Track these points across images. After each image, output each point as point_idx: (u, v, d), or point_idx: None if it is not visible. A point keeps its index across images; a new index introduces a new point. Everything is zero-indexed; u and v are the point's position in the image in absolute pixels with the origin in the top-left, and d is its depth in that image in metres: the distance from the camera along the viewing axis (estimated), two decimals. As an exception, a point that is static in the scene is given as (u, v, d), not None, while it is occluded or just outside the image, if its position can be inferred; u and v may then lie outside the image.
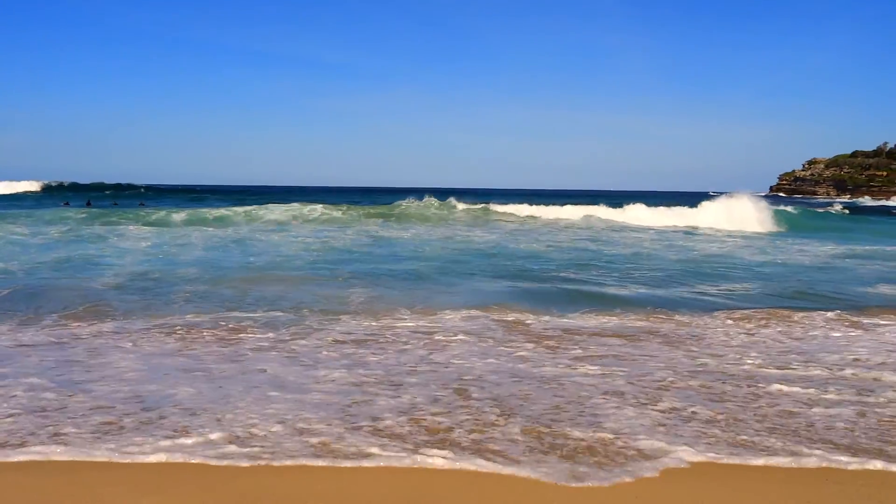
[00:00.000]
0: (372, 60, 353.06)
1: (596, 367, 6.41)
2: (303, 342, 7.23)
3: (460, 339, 7.43)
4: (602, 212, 32.24)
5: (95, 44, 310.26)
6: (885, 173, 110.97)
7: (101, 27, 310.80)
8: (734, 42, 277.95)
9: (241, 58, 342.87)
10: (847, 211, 43.86)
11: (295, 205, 31.07)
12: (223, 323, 8.10)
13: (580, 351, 7.05)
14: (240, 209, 29.47)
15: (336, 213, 29.46)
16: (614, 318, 8.77)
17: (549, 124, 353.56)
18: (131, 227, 22.26)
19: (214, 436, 4.65)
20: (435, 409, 5.19)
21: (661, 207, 32.23)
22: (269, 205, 31.05)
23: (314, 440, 4.59)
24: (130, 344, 7.06)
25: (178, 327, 7.85)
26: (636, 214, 31.29)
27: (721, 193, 32.78)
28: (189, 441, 4.57)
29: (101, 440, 4.58)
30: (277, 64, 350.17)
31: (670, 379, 6.06)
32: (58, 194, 52.29)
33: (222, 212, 28.43)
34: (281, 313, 8.70)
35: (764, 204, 30.88)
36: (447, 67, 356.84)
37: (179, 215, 26.84)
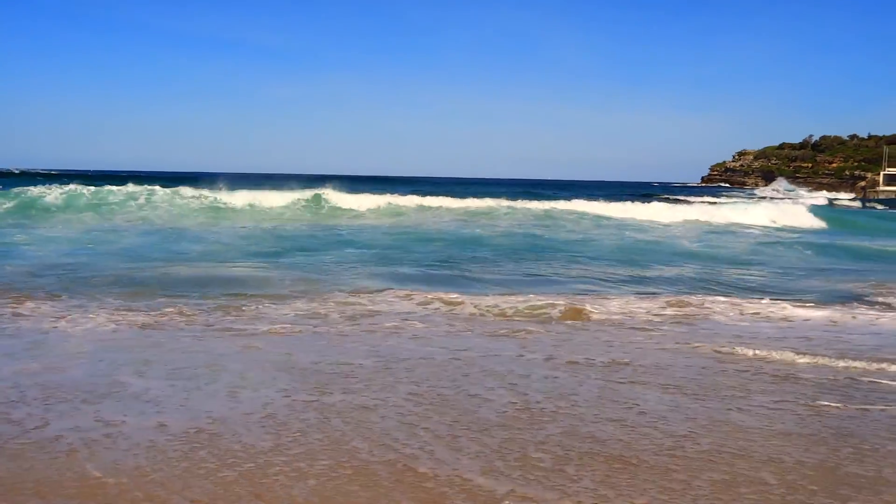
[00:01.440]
0: (306, 44, 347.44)
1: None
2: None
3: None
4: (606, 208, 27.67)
5: (11, 21, 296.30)
6: (810, 165, 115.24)
7: (22, 4, 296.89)
8: (666, 33, 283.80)
9: (173, 40, 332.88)
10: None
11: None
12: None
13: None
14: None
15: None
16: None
17: (483, 111, 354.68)
18: None
19: None
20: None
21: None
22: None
23: None
24: (62, 326, 6.75)
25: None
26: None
27: (669, 184, 32.69)
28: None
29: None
30: (209, 46, 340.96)
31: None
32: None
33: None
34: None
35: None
36: (384, 51, 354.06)
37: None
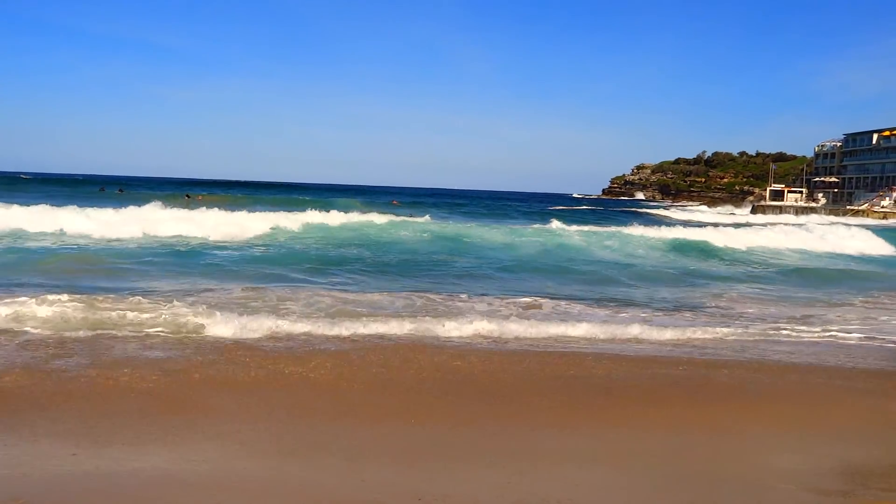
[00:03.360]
0: (211, 46, 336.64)
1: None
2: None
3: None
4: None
5: None
6: (703, 179, 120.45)
7: None
8: (568, 51, 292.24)
9: (70, 39, 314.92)
10: None
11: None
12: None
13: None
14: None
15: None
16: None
17: (390, 120, 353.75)
18: None
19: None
20: None
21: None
22: None
23: None
24: None
25: None
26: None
27: (584, 196, 31.82)
28: None
29: None
30: (107, 46, 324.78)
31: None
32: None
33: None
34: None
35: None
36: (289, 58, 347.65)
37: None
